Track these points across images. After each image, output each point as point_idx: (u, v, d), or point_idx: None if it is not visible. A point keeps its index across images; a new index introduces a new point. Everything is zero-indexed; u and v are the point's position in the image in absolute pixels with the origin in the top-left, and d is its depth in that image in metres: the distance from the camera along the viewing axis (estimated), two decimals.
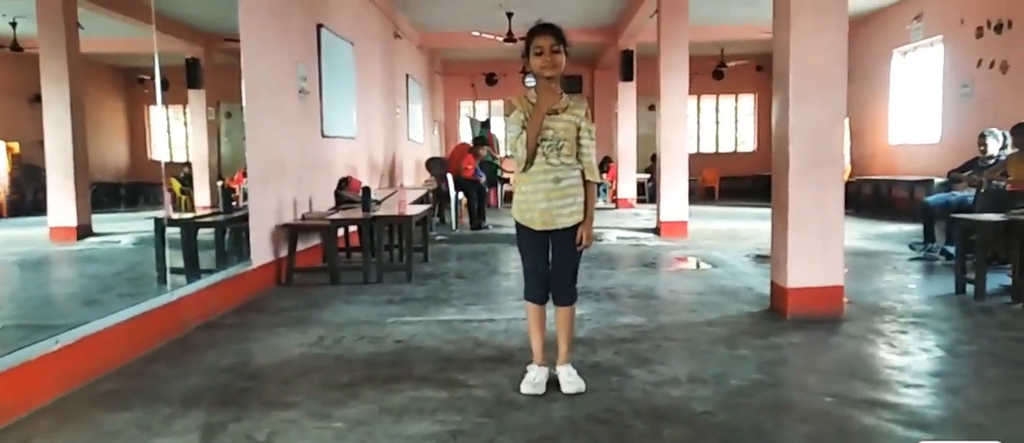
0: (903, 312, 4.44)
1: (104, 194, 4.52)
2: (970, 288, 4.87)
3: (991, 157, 6.73)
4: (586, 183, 3.01)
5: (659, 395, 2.96)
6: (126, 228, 4.76)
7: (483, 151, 10.56)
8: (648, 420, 2.68)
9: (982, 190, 6.39)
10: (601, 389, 3.01)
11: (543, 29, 2.95)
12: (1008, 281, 4.89)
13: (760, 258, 6.47)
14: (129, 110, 5.00)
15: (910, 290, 5.19)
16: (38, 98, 3.90)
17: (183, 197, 5.33)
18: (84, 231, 4.17)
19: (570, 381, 2.97)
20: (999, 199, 5.87)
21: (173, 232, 4.78)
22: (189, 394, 3.06)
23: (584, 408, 2.80)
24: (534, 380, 2.98)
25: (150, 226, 4.72)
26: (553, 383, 3.01)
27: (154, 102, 5.03)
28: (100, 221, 4.32)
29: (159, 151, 4.87)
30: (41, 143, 3.87)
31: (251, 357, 3.71)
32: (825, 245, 4.24)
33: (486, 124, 12.84)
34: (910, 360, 3.47)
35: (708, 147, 17.83)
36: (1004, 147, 6.61)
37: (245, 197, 5.50)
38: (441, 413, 2.77)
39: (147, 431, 2.66)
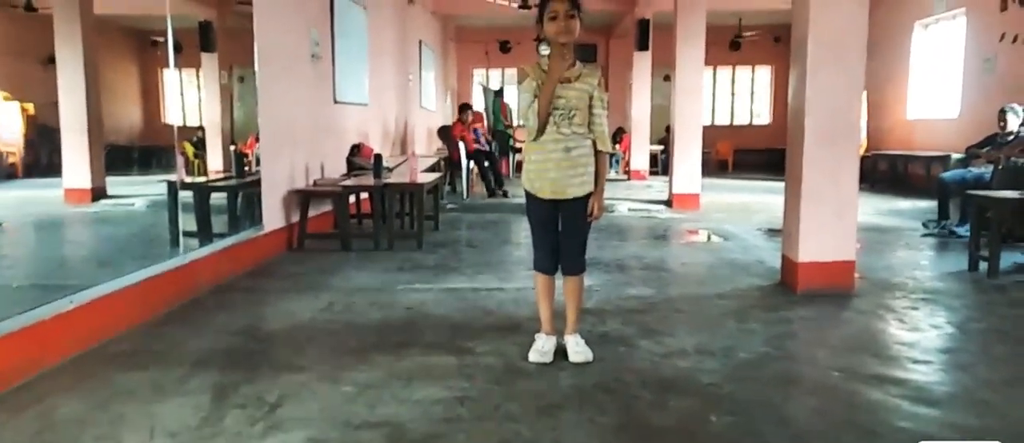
0: (914, 288, 4.42)
1: (118, 157, 4.53)
2: (983, 265, 4.82)
3: (1011, 133, 6.64)
4: (598, 153, 2.99)
5: (666, 366, 2.97)
6: (140, 191, 4.79)
7: (467, 116, 10.48)
8: (654, 390, 2.69)
9: (1000, 166, 6.31)
10: (608, 359, 3.03)
11: None
12: (1022, 259, 4.84)
13: (772, 232, 6.44)
14: (142, 73, 4.99)
15: (922, 267, 5.16)
16: (52, 59, 3.88)
17: (196, 161, 5.34)
18: (99, 193, 4.20)
19: (578, 350, 2.99)
20: (1018, 176, 5.78)
21: (186, 196, 4.81)
22: (201, 356, 3.11)
23: (591, 377, 2.82)
24: (542, 349, 3.00)
25: (164, 189, 4.76)
26: (561, 352, 3.03)
27: (167, 65, 5.02)
28: (114, 184, 4.35)
29: (172, 115, 4.87)
30: (56, 105, 3.87)
31: (262, 321, 3.75)
32: (838, 220, 4.21)
33: (499, 93, 12.74)
34: (920, 336, 3.46)
35: (723, 119, 17.67)
36: None
37: (258, 162, 5.52)
38: (450, 379, 2.80)
39: (160, 391, 2.70)
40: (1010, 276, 4.75)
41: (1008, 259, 4.98)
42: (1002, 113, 6.79)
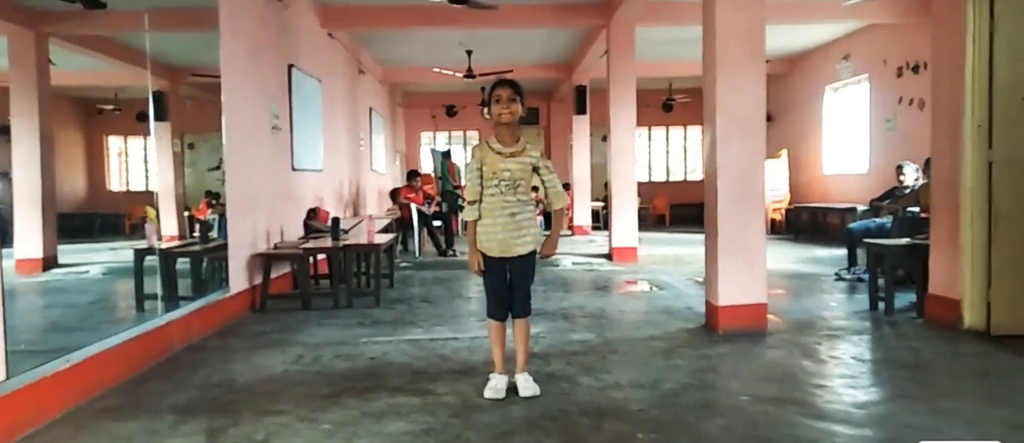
0: (821, 327, 5.02)
1: (63, 225, 4.53)
2: (882, 305, 5.48)
3: (907, 187, 7.46)
4: (553, 212, 3.62)
5: (603, 397, 3.45)
6: (90, 259, 4.84)
7: (417, 183, 11.10)
8: (592, 417, 3.16)
9: (898, 216, 7.09)
10: (553, 393, 3.48)
11: (504, 83, 3.47)
12: (914, 298, 5.51)
13: (702, 282, 7.03)
14: (87, 141, 5.11)
15: (831, 308, 5.79)
16: (4, 130, 3.94)
17: (153, 225, 5.61)
18: (50, 262, 4.29)
19: (527, 386, 3.44)
20: (913, 225, 6.53)
21: (150, 261, 5.03)
22: (187, 405, 3.44)
23: (539, 409, 3.27)
24: (495, 386, 3.44)
25: (115, 256, 4.93)
26: (512, 389, 3.47)
27: (113, 132, 5.28)
28: (63, 252, 4.39)
29: (135, 181, 5.09)
30: (6, 175, 3.97)
31: (237, 374, 4.07)
32: (750, 268, 4.81)
33: (446, 154, 13.30)
34: (821, 366, 4.02)
35: (659, 175, 18.62)
36: (918, 178, 7.34)
37: (210, 228, 5.79)
38: (415, 415, 3.21)
39: (156, 435, 3.03)
40: (904, 313, 5.39)
41: (905, 298, 5.64)
42: (899, 169, 7.63)
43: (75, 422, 3.22)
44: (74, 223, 4.79)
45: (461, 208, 13.06)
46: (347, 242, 6.48)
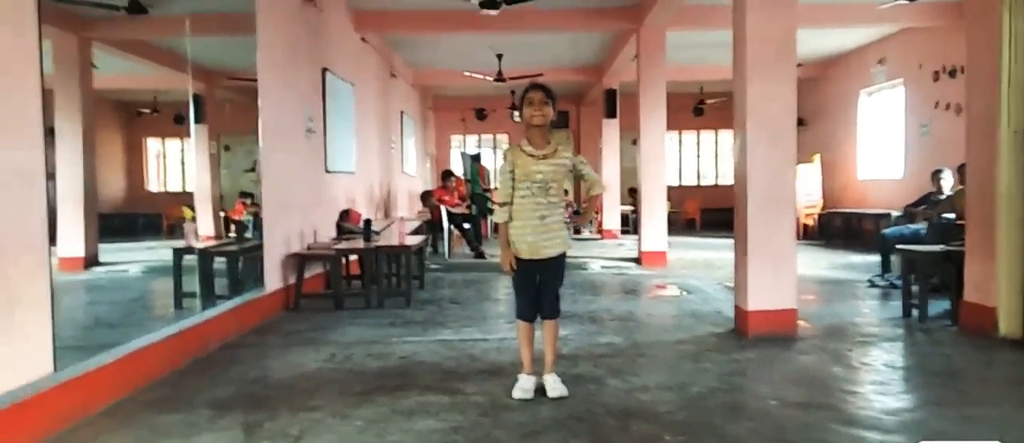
0: (853, 333, 4.99)
1: (104, 225, 4.68)
2: (916, 312, 5.41)
3: (943, 193, 7.35)
4: (591, 195, 3.73)
5: (630, 399, 3.48)
6: (129, 258, 4.97)
7: (451, 182, 11.19)
8: (619, 418, 3.19)
9: (933, 223, 6.99)
10: (581, 395, 3.52)
11: (536, 86, 3.53)
12: (949, 305, 5.44)
13: (731, 286, 7.00)
14: (127, 142, 5.27)
15: (863, 314, 5.74)
16: (49, 132, 4.11)
17: (193, 225, 5.76)
18: (91, 261, 4.43)
19: (555, 387, 3.48)
20: (948, 232, 6.44)
21: (188, 260, 5.18)
22: (224, 400, 3.55)
23: (566, 409, 3.31)
24: (524, 386, 3.49)
25: (153, 256, 5.07)
26: (540, 390, 3.52)
27: (152, 135, 5.42)
28: (103, 251, 4.52)
29: (172, 182, 5.23)
30: (52, 176, 4.12)
31: (273, 371, 4.18)
32: (779, 273, 4.80)
33: (476, 157, 13.38)
34: (851, 372, 4.00)
35: (690, 179, 18.52)
36: (954, 184, 7.23)
37: (246, 228, 5.93)
38: (445, 414, 3.27)
39: (195, 428, 3.13)
40: (937, 321, 5.32)
41: (939, 306, 5.56)
42: (936, 175, 7.51)
43: (119, 414, 3.34)
44: (114, 223, 4.93)
45: (490, 211, 13.23)
46: (378, 243, 6.59)
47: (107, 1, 4.32)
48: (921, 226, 7.29)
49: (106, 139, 5.00)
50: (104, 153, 4.92)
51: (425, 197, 11.53)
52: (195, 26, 4.87)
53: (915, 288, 5.51)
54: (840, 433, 2.99)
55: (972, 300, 4.93)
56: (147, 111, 5.45)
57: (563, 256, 3.58)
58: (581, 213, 4.25)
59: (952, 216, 6.77)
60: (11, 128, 2.95)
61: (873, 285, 7.11)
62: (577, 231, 14.28)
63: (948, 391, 3.65)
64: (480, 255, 10.29)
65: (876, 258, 7.83)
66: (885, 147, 12.08)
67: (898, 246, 6.20)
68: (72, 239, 4.26)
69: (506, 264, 3.53)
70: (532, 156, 3.48)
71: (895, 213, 9.74)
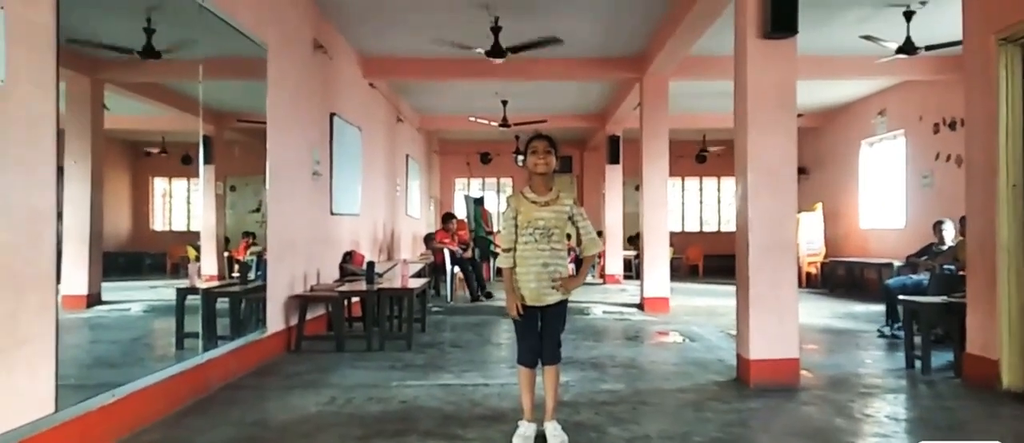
0: (855, 384, 4.96)
1: (107, 263, 4.65)
2: (919, 363, 5.39)
3: (945, 244, 7.37)
4: (585, 256, 3.71)
5: None
6: (132, 296, 4.94)
7: (452, 225, 11.25)
8: None
9: (935, 273, 6.99)
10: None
11: (540, 136, 3.61)
12: (952, 357, 5.42)
13: (734, 334, 6.99)
14: (134, 182, 5.29)
15: (866, 365, 5.72)
16: (59, 171, 3.91)
17: (197, 265, 5.79)
18: (94, 299, 4.39)
19: (555, 435, 3.47)
20: (950, 283, 6.44)
21: (191, 300, 5.20)
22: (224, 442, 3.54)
23: None
24: (524, 434, 3.48)
25: (156, 295, 5.07)
26: (540, 438, 3.50)
27: (159, 174, 5.47)
28: (106, 290, 4.48)
29: (177, 221, 5.27)
30: (59, 215, 3.94)
31: (273, 413, 4.17)
32: (782, 321, 4.80)
33: (480, 201, 13.48)
34: (853, 424, 3.98)
35: (693, 226, 18.57)
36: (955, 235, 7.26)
37: (249, 268, 5.95)
38: None
39: None
40: (940, 373, 5.30)
41: (942, 357, 5.54)
42: (937, 226, 7.55)
43: None
44: (118, 261, 4.91)
45: (493, 254, 13.28)
46: (381, 286, 6.61)
47: (121, 45, 4.41)
48: (923, 277, 7.30)
49: (113, 178, 5.00)
50: (111, 192, 4.90)
51: (428, 240, 11.58)
52: (207, 70, 4.97)
53: (918, 339, 5.50)
54: None
55: (975, 352, 4.92)
56: (155, 151, 5.52)
57: (565, 302, 3.60)
58: (576, 273, 3.69)
59: (953, 267, 6.79)
60: (28, 169, 3.01)
61: (882, 335, 7.08)
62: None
63: None
64: (477, 299, 10.28)
65: (879, 308, 7.82)
66: (887, 197, 12.14)
67: (899, 297, 6.20)
68: (76, 277, 4.22)
69: (512, 310, 3.54)
70: (534, 203, 3.53)
71: (897, 263, 9.75)
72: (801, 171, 13.16)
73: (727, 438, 3.66)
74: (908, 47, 7.29)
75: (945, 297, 5.68)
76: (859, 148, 12.80)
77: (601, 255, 14.56)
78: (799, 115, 4.99)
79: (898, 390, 4.85)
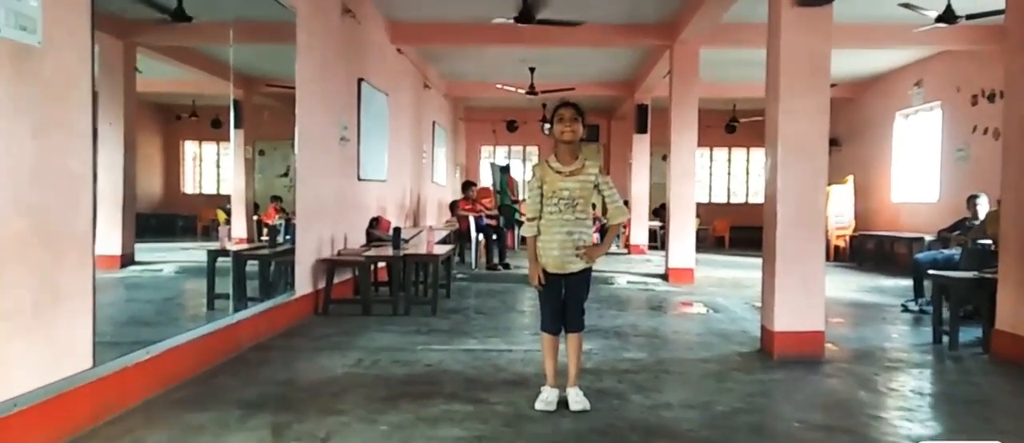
0: (881, 358, 4.93)
1: (140, 224, 4.75)
2: (946, 338, 5.33)
3: (978, 219, 7.23)
4: (610, 225, 3.70)
5: (652, 416, 3.49)
6: (165, 258, 5.08)
7: (472, 193, 11.26)
8: (641, 434, 3.21)
9: (967, 248, 6.87)
10: (604, 409, 3.55)
11: (567, 104, 3.59)
12: (980, 333, 5.35)
13: (759, 306, 6.96)
14: (165, 145, 5.38)
15: (893, 339, 5.67)
16: (93, 133, 4.25)
17: (227, 228, 5.88)
18: (127, 260, 4.52)
19: (578, 400, 3.51)
20: (983, 258, 6.33)
21: (222, 262, 5.30)
22: (254, 400, 3.63)
23: (588, 423, 3.34)
24: (547, 399, 3.52)
25: (188, 256, 5.17)
26: (563, 403, 3.54)
27: (189, 138, 5.53)
28: (139, 250, 4.60)
29: (207, 184, 5.34)
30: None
31: (301, 374, 4.27)
32: (807, 294, 4.78)
33: (506, 169, 13.46)
34: (877, 397, 3.97)
35: (720, 197, 18.40)
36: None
37: (277, 232, 6.04)
38: (468, 422, 3.32)
39: (226, 428, 3.22)
40: (969, 348, 5.24)
41: (971, 333, 5.47)
42: (971, 200, 7.39)
43: (152, 411, 3.44)
44: (150, 223, 5.02)
45: (519, 222, 13.30)
46: (407, 251, 6.67)
47: (154, 7, 4.44)
48: (954, 252, 7.18)
49: (145, 141, 5.10)
50: (142, 155, 5.00)
51: (453, 207, 11.63)
52: (237, 33, 5.01)
53: (946, 314, 5.43)
54: None
55: (1004, 328, 4.85)
56: (186, 115, 5.59)
57: (589, 271, 3.62)
58: (601, 242, 3.73)
59: (987, 242, 6.66)
60: (66, 131, 3.07)
61: (906, 310, 7.01)
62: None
63: (975, 420, 3.60)
64: (493, 268, 10.32)
65: (908, 282, 7.72)
66: (920, 170, 11.90)
67: (930, 271, 6.12)
68: (110, 238, 4.32)
69: (534, 279, 3.57)
70: (559, 172, 3.53)
71: (928, 238, 9.60)
72: (833, 143, 12.94)
73: (749, 408, 3.68)
74: (948, 15, 7.09)
75: (976, 272, 5.59)
76: (894, 120, 12.53)
77: (626, 225, 14.54)
78: (832, 85, 4.90)
79: (924, 365, 4.81)
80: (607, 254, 13.25)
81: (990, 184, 7.76)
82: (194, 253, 5.36)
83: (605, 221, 3.75)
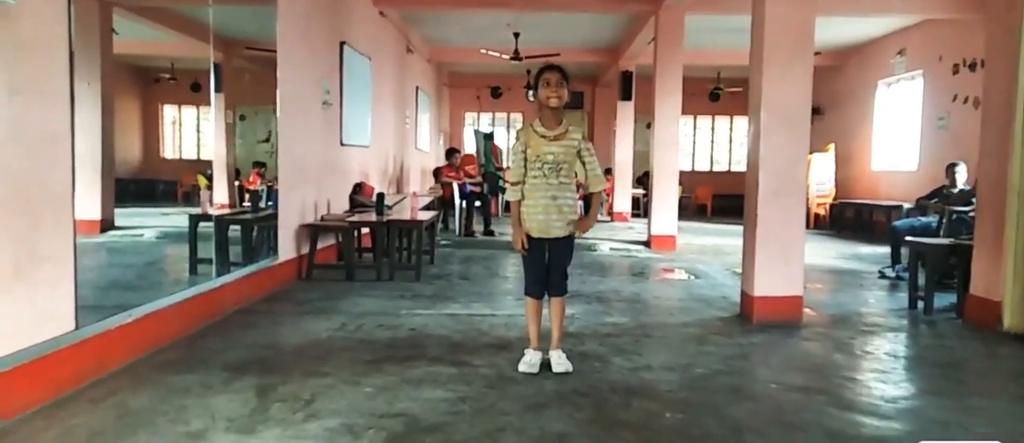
0: (857, 322, 5.03)
1: (119, 189, 4.68)
2: (921, 304, 5.44)
3: (957, 188, 7.33)
4: (590, 194, 3.70)
5: (633, 378, 3.55)
6: (145, 223, 5.02)
7: (456, 160, 11.24)
8: (622, 395, 3.27)
9: (947, 218, 6.97)
10: (585, 371, 3.60)
11: (552, 67, 3.57)
12: (955, 299, 5.47)
13: (739, 272, 7.04)
14: (144, 108, 5.31)
15: (869, 305, 5.78)
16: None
17: (208, 193, 5.83)
18: (107, 225, 4.46)
19: (560, 363, 3.56)
20: (961, 227, 6.44)
21: (203, 227, 5.26)
22: (239, 363, 3.65)
23: (570, 384, 3.39)
24: (530, 361, 3.57)
25: (168, 221, 5.13)
26: (545, 366, 3.59)
27: (168, 101, 5.46)
28: (119, 215, 4.53)
29: (187, 149, 5.29)
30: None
31: (285, 337, 4.28)
32: (787, 260, 4.85)
33: (490, 136, 13.40)
34: (853, 360, 4.06)
35: (703, 165, 18.49)
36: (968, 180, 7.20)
37: (260, 198, 6.00)
38: (452, 384, 3.36)
39: (210, 389, 3.23)
40: (943, 314, 5.35)
41: (946, 299, 5.58)
42: (951, 169, 7.48)
43: (136, 373, 3.45)
44: (129, 188, 4.97)
45: (503, 189, 13.30)
46: (391, 217, 6.67)
47: None
48: (932, 219, 7.29)
49: (123, 105, 5.04)
50: (121, 119, 4.93)
51: (436, 174, 11.60)
52: None
53: (922, 280, 5.53)
54: (837, 417, 3.05)
55: (978, 294, 4.96)
56: (165, 77, 5.51)
57: (572, 236, 3.64)
58: (586, 212, 3.81)
59: (965, 209, 6.76)
60: (43, 91, 3.02)
61: (883, 276, 7.13)
62: (587, 212, 14.34)
63: (948, 382, 3.70)
64: (471, 234, 10.31)
65: (886, 250, 7.84)
66: (900, 139, 12.02)
67: (907, 238, 6.22)
68: (89, 202, 4.24)
69: (517, 243, 3.59)
70: (544, 137, 3.52)
71: (907, 205, 9.73)
72: (815, 111, 13.02)
73: (728, 370, 3.75)
74: None
75: (952, 239, 5.69)
76: (876, 89, 12.61)
77: (609, 192, 14.59)
78: (816, 53, 4.91)
79: (899, 329, 4.91)
80: None
81: (969, 153, 7.85)
82: (175, 218, 5.32)
83: (585, 188, 3.76)
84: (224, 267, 5.15)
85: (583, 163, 3.62)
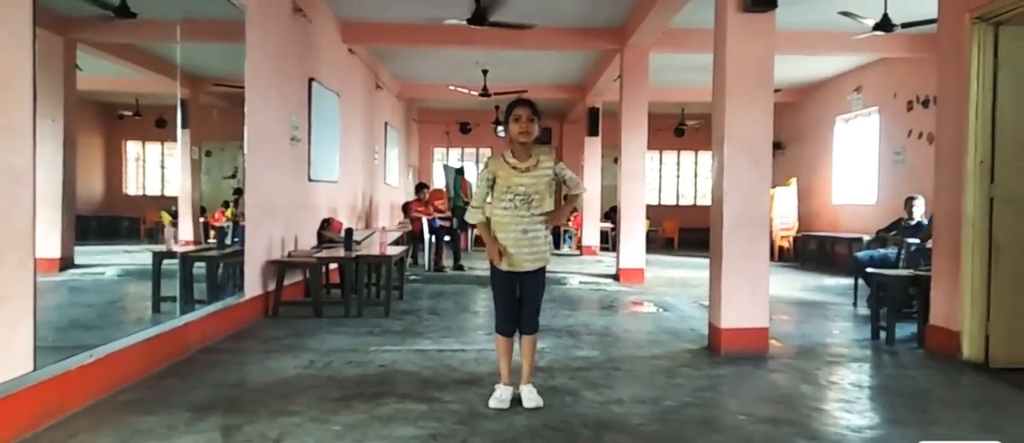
0: (822, 353, 5.11)
1: (80, 226, 4.59)
2: (883, 334, 5.55)
3: (914, 220, 7.53)
4: (570, 195, 3.74)
5: (604, 411, 3.55)
6: (106, 260, 4.90)
7: (425, 194, 11.26)
8: (593, 429, 3.27)
9: (906, 250, 7.15)
10: (556, 406, 3.60)
11: (522, 102, 3.60)
12: (916, 329, 5.58)
13: (707, 305, 7.12)
14: (107, 144, 5.21)
15: (834, 336, 5.87)
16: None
17: (173, 229, 5.74)
18: (66, 263, 4.36)
19: (531, 397, 3.55)
20: (919, 258, 6.60)
21: (168, 264, 5.17)
22: (203, 403, 3.57)
23: (541, 419, 3.38)
24: (500, 396, 3.56)
25: (131, 259, 5.03)
26: (516, 400, 3.58)
27: (132, 138, 5.40)
28: (79, 253, 4.45)
29: (150, 186, 5.23)
30: None
31: (252, 376, 4.21)
32: (753, 292, 4.92)
33: (460, 171, 13.45)
34: (819, 390, 4.11)
35: (669, 199, 18.73)
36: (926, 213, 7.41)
37: (225, 234, 5.93)
38: (422, 421, 3.32)
39: (174, 430, 3.16)
40: (905, 344, 5.46)
41: (906, 329, 5.70)
42: (909, 202, 7.70)
43: (97, 414, 3.36)
44: (90, 225, 4.86)
45: (470, 224, 13.29)
46: (359, 253, 6.63)
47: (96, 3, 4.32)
48: (891, 251, 7.48)
49: (86, 141, 4.92)
50: (83, 155, 4.82)
51: (406, 208, 11.58)
52: (184, 31, 4.91)
53: (884, 310, 5.65)
54: None
55: (938, 324, 5.08)
56: (129, 114, 5.45)
57: (543, 271, 3.66)
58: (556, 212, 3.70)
59: (917, 241, 6.95)
60: (5, 128, 2.98)
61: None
62: (557, 245, 14.44)
63: (911, 411, 3.76)
64: (441, 270, 10.30)
65: (848, 281, 8.00)
66: (859, 173, 12.34)
67: (867, 270, 6.36)
68: (49, 240, 4.11)
69: (495, 255, 3.55)
70: (515, 168, 3.55)
71: (867, 237, 9.96)
72: (777, 146, 13.34)
73: (697, 402, 3.78)
74: (885, 24, 7.38)
75: (911, 270, 5.84)
76: (834, 124, 12.97)
77: (577, 226, 14.68)
78: (776, 90, 5.06)
79: (863, 359, 5.00)
80: (560, 255, 13.40)
81: (925, 186, 8.07)
82: (138, 256, 5.21)
83: (566, 191, 3.75)
84: (189, 305, 5.05)
85: (564, 180, 3.66)
